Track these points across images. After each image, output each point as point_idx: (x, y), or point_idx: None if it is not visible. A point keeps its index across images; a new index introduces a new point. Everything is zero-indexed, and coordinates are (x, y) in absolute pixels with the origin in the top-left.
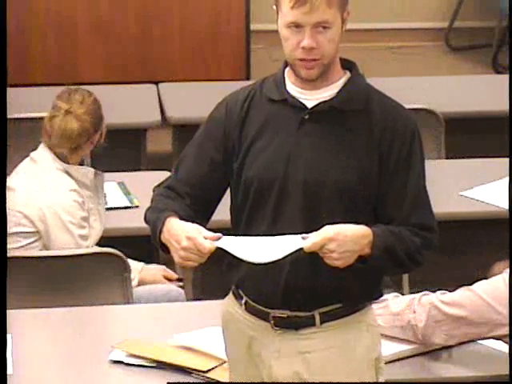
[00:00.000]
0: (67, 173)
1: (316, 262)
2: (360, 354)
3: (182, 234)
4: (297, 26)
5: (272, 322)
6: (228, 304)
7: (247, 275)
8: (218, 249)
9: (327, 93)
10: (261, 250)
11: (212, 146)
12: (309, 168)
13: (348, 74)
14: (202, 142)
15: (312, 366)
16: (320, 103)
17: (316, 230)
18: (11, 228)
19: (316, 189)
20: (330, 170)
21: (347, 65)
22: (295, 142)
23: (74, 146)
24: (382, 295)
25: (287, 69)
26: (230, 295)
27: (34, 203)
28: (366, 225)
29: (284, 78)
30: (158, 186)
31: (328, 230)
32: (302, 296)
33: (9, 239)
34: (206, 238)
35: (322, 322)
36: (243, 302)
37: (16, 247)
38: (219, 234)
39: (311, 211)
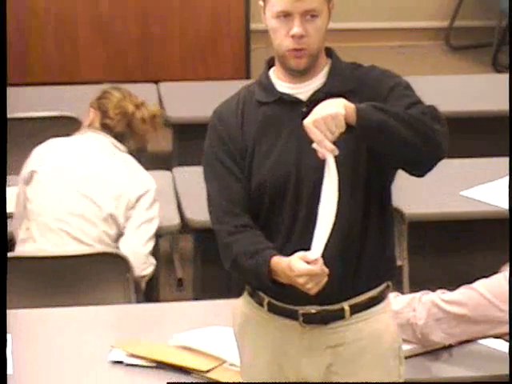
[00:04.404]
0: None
1: (344, 251)
2: (387, 343)
3: (291, 274)
4: (285, 15)
5: (301, 319)
6: (244, 306)
7: None
8: None
9: (318, 82)
10: None
11: (226, 158)
12: (320, 158)
13: (330, 60)
14: (216, 160)
15: (342, 359)
16: (314, 92)
17: (337, 221)
18: (100, 215)
19: None
20: (341, 155)
21: (327, 52)
22: (300, 137)
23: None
24: (396, 273)
25: (272, 69)
26: (246, 297)
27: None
28: (385, 207)
29: (270, 79)
30: (221, 222)
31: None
32: (332, 288)
33: (102, 225)
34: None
35: (351, 314)
36: (266, 302)
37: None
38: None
39: None
